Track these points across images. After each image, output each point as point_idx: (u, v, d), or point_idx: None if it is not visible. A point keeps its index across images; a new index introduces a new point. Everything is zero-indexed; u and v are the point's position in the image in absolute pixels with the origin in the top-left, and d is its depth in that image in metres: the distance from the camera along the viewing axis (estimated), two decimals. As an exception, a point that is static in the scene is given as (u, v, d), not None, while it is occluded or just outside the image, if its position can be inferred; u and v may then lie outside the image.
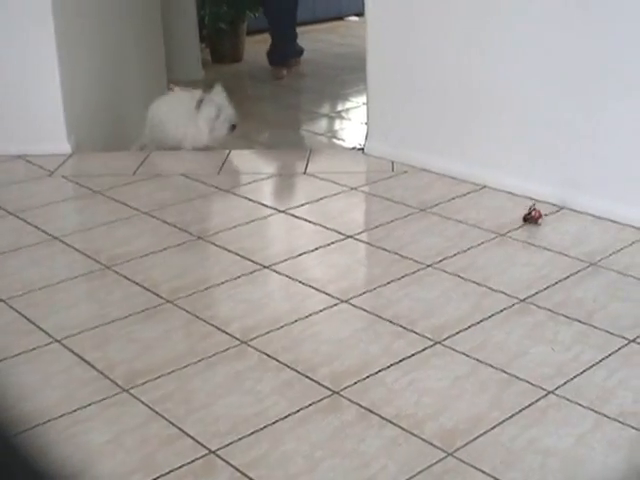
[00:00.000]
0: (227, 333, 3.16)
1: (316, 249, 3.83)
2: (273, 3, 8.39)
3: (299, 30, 9.09)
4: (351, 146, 5.73)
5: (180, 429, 2.64)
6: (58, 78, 4.94)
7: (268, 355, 3.01)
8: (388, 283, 3.51)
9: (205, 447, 2.56)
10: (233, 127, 5.24)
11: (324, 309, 3.32)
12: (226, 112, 5.23)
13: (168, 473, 2.46)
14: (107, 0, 5.78)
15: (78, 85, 5.23)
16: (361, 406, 2.72)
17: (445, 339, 3.09)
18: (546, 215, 4.06)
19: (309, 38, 9.97)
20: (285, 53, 8.52)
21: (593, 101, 4.03)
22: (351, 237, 3.92)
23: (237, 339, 3.12)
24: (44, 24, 4.83)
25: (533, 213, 3.99)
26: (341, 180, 4.60)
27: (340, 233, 3.96)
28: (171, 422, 2.67)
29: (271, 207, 4.30)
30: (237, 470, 2.47)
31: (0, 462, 0.97)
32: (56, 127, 5.02)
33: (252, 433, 2.62)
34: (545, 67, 4.17)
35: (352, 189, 4.49)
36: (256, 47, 9.12)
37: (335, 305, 3.35)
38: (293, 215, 4.18)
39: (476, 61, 4.42)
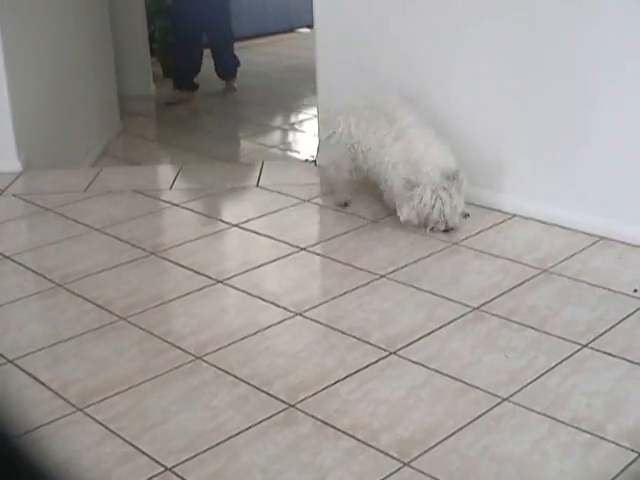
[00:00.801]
0: (181, 349, 3.15)
1: (269, 262, 3.83)
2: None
3: (251, 43, 9.07)
4: (303, 158, 5.74)
5: (135, 447, 2.63)
6: (7, 95, 4.90)
7: (223, 370, 3.01)
8: (342, 294, 3.52)
9: (161, 464, 2.55)
10: (448, 229, 4.04)
11: (279, 322, 3.32)
12: (448, 206, 3.98)
13: (124, 492, 2.45)
14: (56, 16, 5.75)
15: (28, 102, 5.20)
16: (317, 419, 2.73)
17: (400, 349, 3.10)
18: (500, 223, 4.10)
19: (260, 51, 9.99)
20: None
21: (542, 109, 4.06)
22: (304, 249, 3.93)
23: (192, 355, 3.11)
24: (-9, 42, 4.80)
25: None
26: (294, 192, 4.60)
27: (293, 246, 3.96)
28: (126, 440, 2.66)
29: (224, 221, 4.29)
30: (194, 486, 2.46)
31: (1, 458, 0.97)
32: (6, 145, 4.98)
33: (208, 449, 2.61)
34: (495, 79, 4.20)
35: (305, 201, 4.49)
36: (206, 61, 9.10)
37: (289, 318, 3.35)
38: (246, 229, 4.18)
39: (428, 72, 4.44)
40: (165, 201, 4.57)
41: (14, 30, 4.98)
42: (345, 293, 3.53)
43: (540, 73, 4.02)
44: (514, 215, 4.17)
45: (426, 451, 2.57)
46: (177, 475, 2.50)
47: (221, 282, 3.65)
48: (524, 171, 4.19)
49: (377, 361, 3.04)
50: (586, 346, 3.09)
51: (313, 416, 2.74)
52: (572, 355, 3.04)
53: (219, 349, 3.14)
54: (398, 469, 2.50)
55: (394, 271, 3.69)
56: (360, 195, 4.49)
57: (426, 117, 4.35)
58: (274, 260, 3.84)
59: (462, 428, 2.67)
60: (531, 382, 2.89)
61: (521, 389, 2.85)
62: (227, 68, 8.41)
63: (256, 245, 4.06)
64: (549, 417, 2.71)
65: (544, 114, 4.06)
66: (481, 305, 3.39)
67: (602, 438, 2.60)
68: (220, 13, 8.17)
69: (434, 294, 3.49)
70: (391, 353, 3.08)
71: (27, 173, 5.02)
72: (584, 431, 2.64)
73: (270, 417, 2.75)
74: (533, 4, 3.99)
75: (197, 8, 7.91)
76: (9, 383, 2.98)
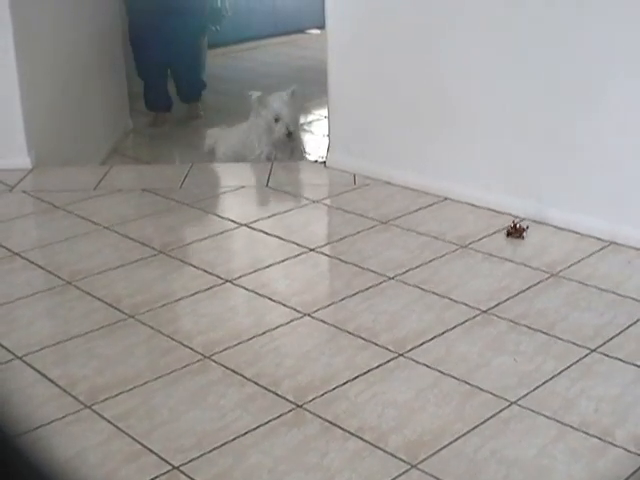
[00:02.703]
0: (190, 348, 3.15)
1: (278, 262, 3.83)
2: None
3: (261, 44, 9.02)
4: (313, 159, 5.73)
5: (143, 445, 2.63)
6: (18, 92, 4.91)
7: (231, 369, 3.01)
8: (350, 296, 3.51)
9: (169, 463, 2.55)
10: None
11: (287, 322, 3.32)
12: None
13: (131, 490, 2.45)
14: (68, 14, 5.75)
15: (38, 99, 5.20)
16: (324, 419, 2.72)
17: (408, 351, 3.10)
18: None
19: (270, 52, 9.99)
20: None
21: (554, 115, 4.06)
22: (313, 250, 3.93)
23: (200, 354, 3.11)
24: (3, 38, 4.80)
25: (517, 227, 4.03)
26: (303, 193, 4.60)
27: (302, 246, 3.96)
28: (134, 438, 2.66)
29: (233, 221, 4.29)
30: (201, 486, 2.46)
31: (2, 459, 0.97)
32: (16, 142, 4.99)
33: (216, 448, 2.61)
34: (507, 82, 4.20)
35: (314, 202, 4.49)
36: (216, 60, 9.10)
37: (298, 318, 3.35)
38: (255, 229, 4.18)
39: (439, 75, 4.44)
40: (175, 200, 4.57)
41: (26, 28, 4.99)
42: (354, 294, 3.53)
43: (551, 77, 4.02)
44: (523, 219, 4.16)
45: (434, 453, 2.57)
46: (184, 474, 2.50)
47: (230, 282, 3.65)
48: (533, 176, 4.19)
49: (385, 363, 3.04)
50: (595, 351, 3.09)
51: (321, 417, 2.74)
52: (581, 360, 3.04)
53: (227, 348, 3.14)
54: (405, 471, 2.50)
55: (403, 273, 3.69)
56: (366, 195, 4.49)
57: (443, 116, 4.37)
58: (283, 260, 3.85)
59: (470, 431, 2.67)
60: (539, 386, 2.89)
61: (529, 393, 2.85)
62: (190, 90, 7.61)
63: (265, 245, 4.06)
64: (557, 421, 2.70)
65: (552, 118, 4.06)
66: (490, 308, 3.38)
67: (610, 443, 2.60)
68: (189, 47, 7.40)
69: (443, 296, 3.49)
70: (399, 355, 3.08)
71: (37, 170, 5.03)
72: (592, 436, 2.63)
73: (278, 417, 2.75)
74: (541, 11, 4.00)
75: (160, 43, 7.10)
76: (17, 380, 2.99)
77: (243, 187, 4.78)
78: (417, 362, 3.04)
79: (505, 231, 4.03)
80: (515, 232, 4.00)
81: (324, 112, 6.22)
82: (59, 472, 1.06)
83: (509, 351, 3.10)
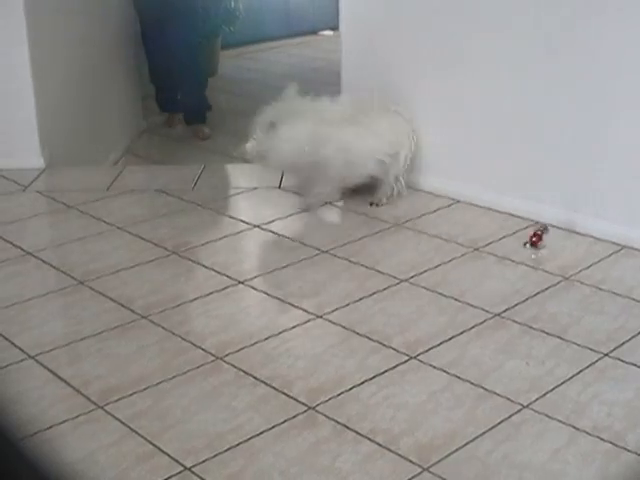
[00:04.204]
0: (202, 349, 3.15)
1: (290, 264, 3.83)
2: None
3: (274, 45, 9.00)
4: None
5: (155, 446, 2.63)
6: (32, 92, 4.92)
7: (243, 371, 3.01)
8: (363, 298, 3.51)
9: (180, 464, 2.55)
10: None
11: (299, 324, 3.32)
12: None
13: (143, 490, 2.46)
14: (81, 14, 5.76)
15: (52, 99, 5.21)
16: (337, 422, 2.72)
17: (420, 354, 3.10)
18: (521, 230, 4.08)
19: (284, 53, 9.98)
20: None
21: (568, 119, 4.05)
22: (326, 252, 3.92)
23: (212, 355, 3.11)
24: (18, 40, 4.81)
25: (534, 239, 3.94)
26: (316, 195, 4.59)
27: (315, 248, 3.96)
28: (146, 439, 2.66)
29: (246, 222, 4.29)
30: (213, 487, 2.46)
31: (5, 463, 0.97)
32: (30, 141, 5.00)
33: (228, 449, 2.61)
34: (523, 87, 4.19)
35: (326, 204, 4.49)
36: (231, 61, 9.11)
37: (310, 320, 3.35)
38: (268, 230, 4.18)
39: (453, 76, 4.44)
40: (187, 201, 4.57)
41: (39, 29, 5.00)
42: (366, 297, 3.53)
43: (571, 85, 4.01)
44: (536, 222, 4.15)
45: (445, 457, 2.57)
46: (196, 475, 2.51)
47: (242, 283, 3.66)
48: (548, 180, 4.18)
49: (397, 365, 3.04)
50: (607, 355, 3.08)
51: (333, 419, 2.74)
52: (593, 364, 3.03)
53: (239, 350, 3.15)
54: (417, 474, 2.49)
55: (415, 275, 3.68)
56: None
57: (455, 118, 4.37)
58: (295, 262, 3.84)
59: (482, 434, 2.66)
60: (552, 390, 2.88)
61: (541, 397, 2.85)
62: (193, 112, 7.32)
63: (277, 247, 4.06)
64: (569, 426, 2.70)
65: (566, 122, 4.05)
66: (502, 311, 3.38)
67: (622, 448, 2.59)
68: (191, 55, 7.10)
69: (455, 299, 3.48)
70: (411, 358, 3.08)
71: (50, 170, 5.04)
72: (604, 440, 2.63)
73: (290, 419, 2.75)
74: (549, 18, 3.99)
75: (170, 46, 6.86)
76: (30, 379, 2.99)
77: (256, 188, 4.77)
78: (429, 365, 3.03)
79: (527, 242, 3.95)
80: (537, 239, 3.93)
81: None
82: (63, 476, 1.06)
83: (521, 355, 3.09)
